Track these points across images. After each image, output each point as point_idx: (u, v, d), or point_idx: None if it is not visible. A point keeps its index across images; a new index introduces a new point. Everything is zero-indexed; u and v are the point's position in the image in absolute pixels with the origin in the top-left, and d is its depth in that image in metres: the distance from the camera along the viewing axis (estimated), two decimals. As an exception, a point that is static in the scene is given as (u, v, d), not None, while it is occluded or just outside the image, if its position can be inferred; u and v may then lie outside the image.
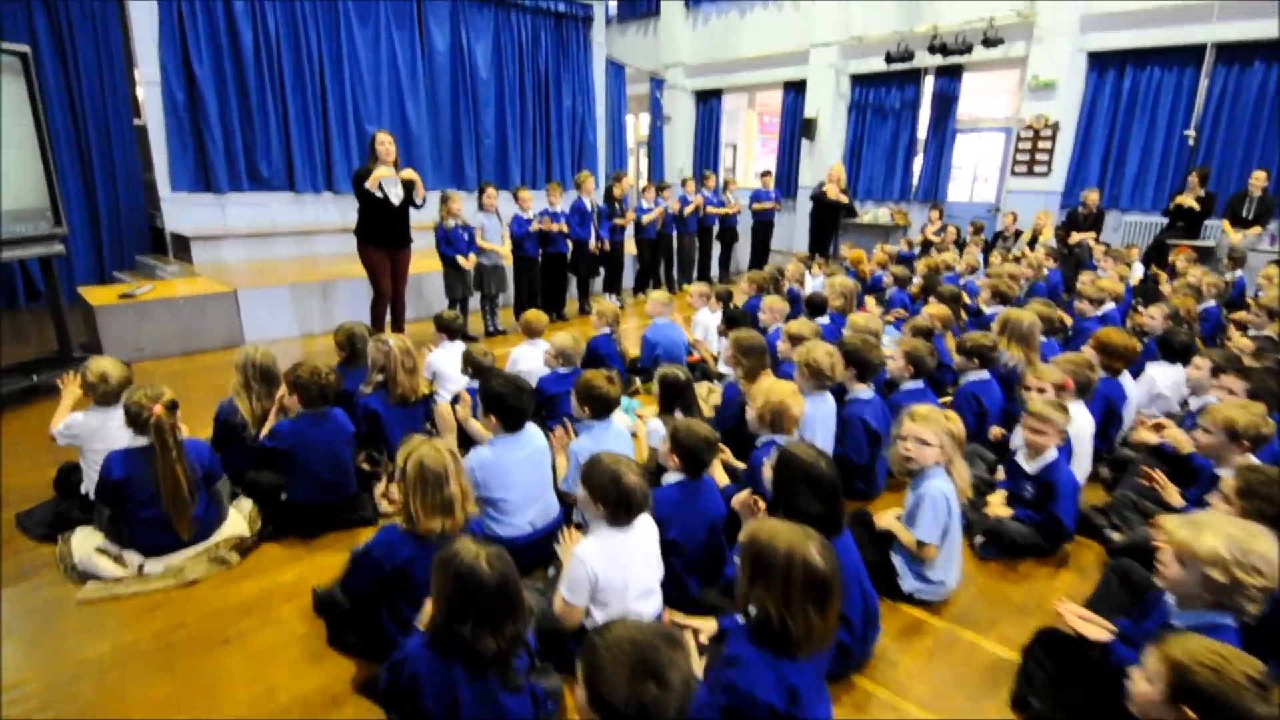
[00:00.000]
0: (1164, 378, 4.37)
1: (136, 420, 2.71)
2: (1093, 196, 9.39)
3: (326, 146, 9.17)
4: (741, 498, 2.45)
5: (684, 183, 9.15)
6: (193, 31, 7.81)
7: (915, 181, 11.99)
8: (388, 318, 6.17)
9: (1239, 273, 7.84)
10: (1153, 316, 4.88)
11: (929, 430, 2.53)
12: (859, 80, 12.18)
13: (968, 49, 10.31)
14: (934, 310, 4.78)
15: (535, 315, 4.74)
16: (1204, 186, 8.72)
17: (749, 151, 15.04)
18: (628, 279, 8.78)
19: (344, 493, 3.25)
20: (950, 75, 11.16)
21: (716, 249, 9.96)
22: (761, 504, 2.51)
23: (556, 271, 7.34)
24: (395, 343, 3.54)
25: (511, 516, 2.70)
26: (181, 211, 8.23)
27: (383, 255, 5.87)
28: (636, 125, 14.93)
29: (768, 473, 2.26)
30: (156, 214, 8.32)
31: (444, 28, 9.89)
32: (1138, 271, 8.51)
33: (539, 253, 7.09)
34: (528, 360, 4.56)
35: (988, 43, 10.11)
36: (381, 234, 5.76)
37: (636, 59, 13.45)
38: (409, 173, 5.63)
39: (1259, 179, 8.26)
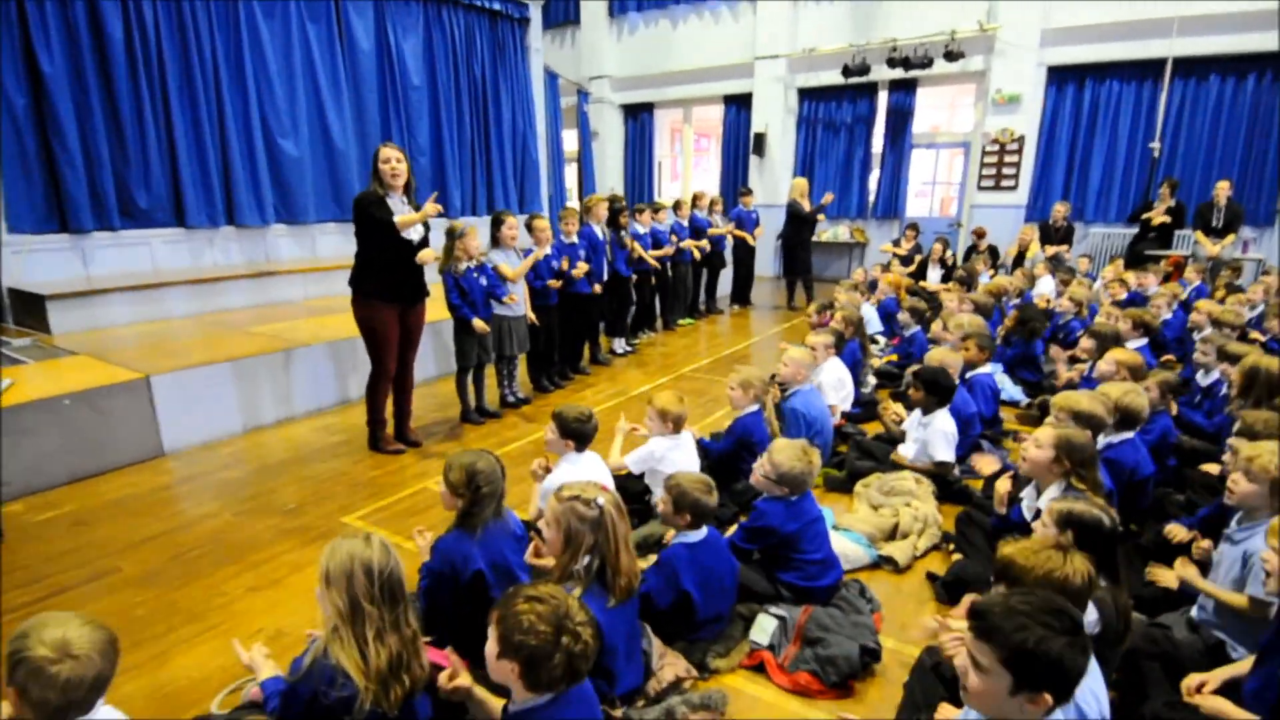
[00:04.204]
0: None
1: None
2: (1062, 209, 9.38)
3: (226, 168, 7.09)
4: None
5: (676, 205, 8.04)
6: (38, 18, 5.62)
7: (872, 198, 11.63)
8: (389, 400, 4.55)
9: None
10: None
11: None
12: (807, 94, 11.68)
13: (929, 63, 10.04)
14: (1124, 358, 3.95)
15: (672, 399, 3.39)
16: (1174, 197, 8.89)
17: (686, 168, 14.18)
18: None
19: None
20: (905, 89, 10.90)
21: (703, 277, 8.91)
22: None
23: (579, 318, 5.92)
24: (606, 500, 2.10)
25: None
26: (24, 261, 5.94)
27: (393, 315, 4.29)
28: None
29: None
30: (-14, 266, 5.98)
31: (367, 22, 8.09)
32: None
33: (556, 297, 5.66)
34: (681, 466, 3.22)
35: (950, 56, 9.89)
36: (394, 284, 4.20)
37: (556, 70, 12.15)
38: (431, 207, 4.07)
39: (1223, 188, 8.45)
